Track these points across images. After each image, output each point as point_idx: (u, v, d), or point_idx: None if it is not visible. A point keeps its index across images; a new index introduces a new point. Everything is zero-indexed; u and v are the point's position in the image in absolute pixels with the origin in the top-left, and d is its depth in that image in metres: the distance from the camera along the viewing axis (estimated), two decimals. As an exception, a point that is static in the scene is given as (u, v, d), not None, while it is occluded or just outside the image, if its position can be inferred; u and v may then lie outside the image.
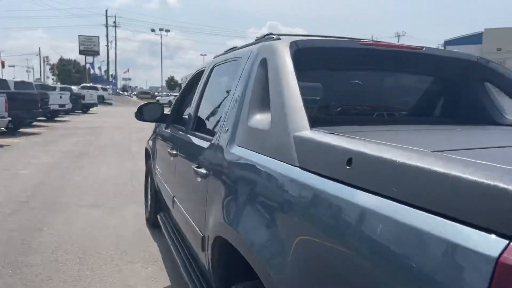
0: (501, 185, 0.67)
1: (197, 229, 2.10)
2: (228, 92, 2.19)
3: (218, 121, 2.20)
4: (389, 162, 0.91)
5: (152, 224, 4.26)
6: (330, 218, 1.03)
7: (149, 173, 4.51)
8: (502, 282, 0.62)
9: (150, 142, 4.19)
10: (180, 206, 2.55)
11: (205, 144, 2.18)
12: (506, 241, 0.64)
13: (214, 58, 3.11)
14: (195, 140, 2.44)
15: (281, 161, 1.33)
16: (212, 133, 2.29)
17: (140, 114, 3.53)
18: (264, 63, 1.82)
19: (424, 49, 2.14)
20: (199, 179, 2.11)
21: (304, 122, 1.36)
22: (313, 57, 1.91)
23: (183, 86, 3.60)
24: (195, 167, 2.16)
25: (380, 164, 0.93)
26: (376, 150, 0.97)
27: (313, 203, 1.12)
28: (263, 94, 1.75)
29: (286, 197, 1.26)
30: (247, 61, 2.02)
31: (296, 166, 1.25)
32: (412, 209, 0.81)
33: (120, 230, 4.19)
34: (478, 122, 2.21)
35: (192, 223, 2.22)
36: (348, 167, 1.00)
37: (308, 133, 1.29)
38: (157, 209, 4.01)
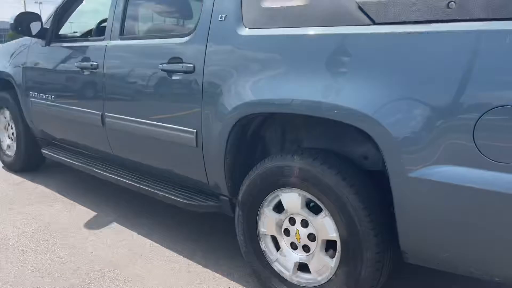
0: None
1: (183, 128, 2.06)
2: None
3: (184, 16, 2.13)
4: None
5: (21, 168, 3.65)
6: (435, 49, 1.31)
7: (2, 109, 3.74)
8: None
9: (10, 69, 3.41)
10: (131, 117, 2.36)
11: (177, 41, 2.08)
12: None
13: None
14: (147, 42, 2.26)
15: (344, 25, 1.51)
16: (176, 30, 2.18)
17: (16, 26, 2.90)
18: None
19: None
20: (177, 77, 2.05)
21: None
22: None
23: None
24: (166, 64, 2.07)
25: None
26: None
27: (408, 44, 1.36)
28: None
29: (370, 49, 1.43)
30: None
31: (370, 25, 1.45)
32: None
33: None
34: None
35: (169, 125, 2.14)
36: (449, 9, 1.30)
37: None
38: (34, 147, 3.48)
